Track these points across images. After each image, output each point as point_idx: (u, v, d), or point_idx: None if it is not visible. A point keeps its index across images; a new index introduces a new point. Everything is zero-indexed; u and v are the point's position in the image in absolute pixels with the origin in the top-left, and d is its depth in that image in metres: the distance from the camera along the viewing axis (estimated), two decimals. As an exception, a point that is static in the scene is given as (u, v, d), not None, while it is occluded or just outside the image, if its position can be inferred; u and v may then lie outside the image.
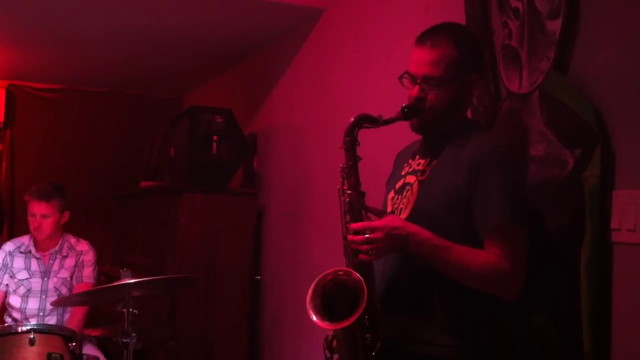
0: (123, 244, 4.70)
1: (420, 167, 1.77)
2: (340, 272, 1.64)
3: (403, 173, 1.83)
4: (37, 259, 3.25)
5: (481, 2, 2.09)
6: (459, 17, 2.12)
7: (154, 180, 4.39)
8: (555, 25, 1.81)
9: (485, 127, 2.02)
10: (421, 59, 1.72)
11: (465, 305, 1.65)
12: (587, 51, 1.73)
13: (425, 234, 1.61)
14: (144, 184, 4.38)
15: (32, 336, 2.53)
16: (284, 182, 3.75)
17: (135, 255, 4.29)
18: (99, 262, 3.43)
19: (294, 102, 3.72)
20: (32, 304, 3.20)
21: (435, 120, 1.73)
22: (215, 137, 3.58)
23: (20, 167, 5.22)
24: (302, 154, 3.53)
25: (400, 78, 1.76)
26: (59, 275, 3.24)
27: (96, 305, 3.42)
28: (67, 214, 3.26)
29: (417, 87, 1.72)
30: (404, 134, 1.85)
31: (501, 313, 1.69)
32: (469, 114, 2.04)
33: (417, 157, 1.81)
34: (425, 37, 1.73)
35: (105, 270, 4.14)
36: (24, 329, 2.57)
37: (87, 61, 4.60)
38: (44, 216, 3.17)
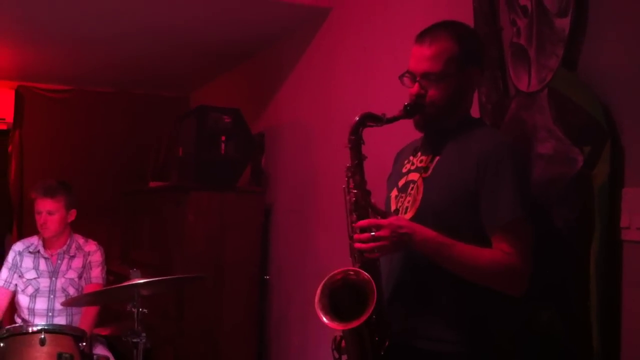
0: (131, 242, 4.72)
1: (422, 164, 1.76)
2: (350, 272, 1.63)
3: (404, 170, 1.82)
4: (46, 258, 3.27)
5: (489, 0, 2.08)
6: (467, 14, 2.12)
7: (161, 179, 4.39)
8: (563, 23, 1.80)
9: (493, 124, 2.01)
10: (421, 55, 1.72)
11: (470, 301, 1.65)
12: (595, 48, 1.73)
13: (430, 233, 1.61)
14: (152, 184, 4.39)
15: (42, 336, 2.54)
16: (291, 181, 3.75)
17: (143, 253, 4.31)
18: (107, 260, 3.44)
19: (301, 101, 3.72)
20: (41, 304, 3.22)
21: (438, 115, 1.73)
22: (222, 137, 3.58)
23: (29, 168, 5.25)
24: (310, 152, 3.53)
25: (401, 77, 1.76)
26: (66, 276, 3.25)
27: (106, 304, 3.43)
28: (73, 212, 3.26)
29: (416, 84, 1.72)
30: (411, 132, 1.85)
31: (507, 309, 1.69)
32: (477, 112, 2.04)
33: (419, 153, 1.81)
34: (425, 34, 1.74)
35: (114, 269, 4.16)
36: (35, 329, 2.59)
37: (94, 62, 4.62)
38: (49, 213, 3.18)
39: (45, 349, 2.53)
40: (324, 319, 1.59)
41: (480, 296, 1.63)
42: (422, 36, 1.75)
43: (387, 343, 1.64)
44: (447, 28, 1.74)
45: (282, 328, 3.71)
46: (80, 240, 3.34)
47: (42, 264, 3.26)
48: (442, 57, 1.70)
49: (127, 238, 4.83)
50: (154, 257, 4.03)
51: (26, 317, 3.23)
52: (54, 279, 3.24)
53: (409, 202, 1.74)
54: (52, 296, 3.22)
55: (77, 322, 3.19)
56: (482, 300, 1.64)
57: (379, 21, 2.91)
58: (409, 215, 1.72)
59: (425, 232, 1.61)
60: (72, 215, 3.27)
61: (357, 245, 1.64)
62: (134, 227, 4.66)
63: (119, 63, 4.64)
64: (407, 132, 1.85)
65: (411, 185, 1.76)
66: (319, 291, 1.62)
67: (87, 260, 3.30)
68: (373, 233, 1.60)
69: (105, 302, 3.21)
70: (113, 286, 2.71)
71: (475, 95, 1.98)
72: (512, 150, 1.68)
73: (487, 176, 1.63)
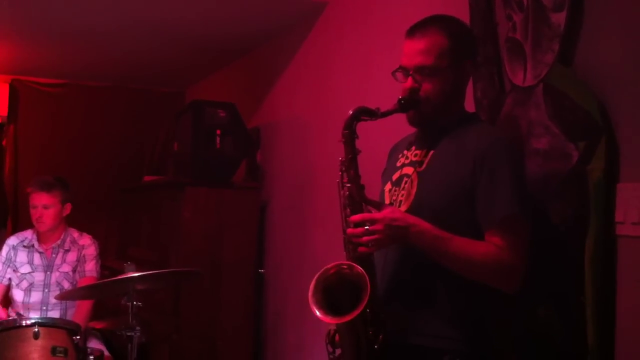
0: (128, 238, 4.71)
1: (417, 158, 1.76)
2: (344, 266, 1.63)
3: (399, 164, 1.82)
4: (40, 253, 3.27)
5: (485, -5, 2.08)
6: (462, 9, 2.12)
7: (157, 175, 4.39)
8: (559, 18, 1.80)
9: (488, 120, 2.01)
10: (412, 50, 1.72)
11: (468, 297, 1.65)
12: (591, 44, 1.73)
13: (425, 225, 1.60)
14: (147, 178, 4.38)
15: (36, 330, 2.54)
16: (287, 176, 3.75)
17: (140, 249, 4.30)
18: (103, 256, 3.44)
19: (297, 96, 3.72)
20: (35, 298, 3.22)
21: (433, 112, 1.72)
22: (218, 131, 3.58)
23: (23, 162, 5.24)
24: (306, 148, 3.52)
25: (394, 73, 1.75)
26: (61, 270, 3.25)
27: (100, 298, 3.42)
28: (68, 206, 3.28)
29: (410, 78, 1.71)
30: (406, 127, 1.84)
31: (504, 305, 1.69)
32: (472, 107, 2.04)
33: (413, 147, 1.80)
34: (415, 29, 1.74)
35: (110, 264, 4.16)
36: (29, 322, 2.59)
37: (90, 56, 4.60)
38: (45, 207, 3.20)
39: (39, 342, 2.53)
40: (318, 313, 1.58)
41: (479, 292, 1.63)
42: (412, 31, 1.74)
43: (381, 337, 1.63)
44: (436, 22, 1.73)
45: (278, 324, 3.71)
46: (75, 234, 3.34)
47: (37, 258, 3.26)
48: (434, 51, 1.69)
49: (125, 235, 4.82)
50: (152, 254, 4.02)
51: (20, 311, 3.23)
52: (48, 273, 3.24)
53: (402, 195, 1.74)
54: (46, 290, 3.22)
55: (71, 316, 3.19)
56: (481, 296, 1.64)
57: (375, 15, 2.90)
58: (402, 208, 1.71)
59: (421, 225, 1.60)
60: (67, 209, 3.28)
61: (353, 239, 1.63)
62: (132, 223, 4.64)
63: (115, 57, 4.63)
64: (402, 126, 1.84)
65: (405, 179, 1.76)
66: (312, 285, 1.62)
67: (82, 254, 3.30)
68: (367, 227, 1.60)
69: (100, 295, 3.21)
70: (108, 279, 2.71)
71: (471, 90, 1.97)
72: (509, 147, 1.67)
73: (484, 172, 1.63)
